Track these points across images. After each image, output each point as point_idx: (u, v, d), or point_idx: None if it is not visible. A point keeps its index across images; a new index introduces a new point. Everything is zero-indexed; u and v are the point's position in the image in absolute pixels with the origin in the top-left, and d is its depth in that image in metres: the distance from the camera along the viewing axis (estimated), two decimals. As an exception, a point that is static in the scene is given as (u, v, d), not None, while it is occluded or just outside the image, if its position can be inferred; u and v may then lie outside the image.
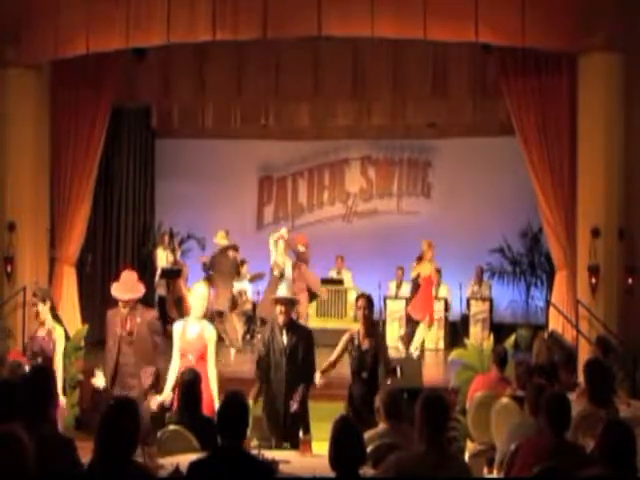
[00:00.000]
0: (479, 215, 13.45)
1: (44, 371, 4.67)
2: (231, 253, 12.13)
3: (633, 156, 9.37)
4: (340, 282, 12.83)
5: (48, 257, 10.70)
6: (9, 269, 10.18)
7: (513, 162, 11.58)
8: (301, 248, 11.66)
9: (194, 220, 13.96)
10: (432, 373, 10.23)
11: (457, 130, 13.42)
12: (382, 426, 5.12)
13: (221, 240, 12.06)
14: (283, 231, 11.74)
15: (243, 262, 13.09)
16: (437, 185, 14.15)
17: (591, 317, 9.12)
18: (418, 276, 11.87)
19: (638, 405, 6.47)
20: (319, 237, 14.15)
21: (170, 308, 13.11)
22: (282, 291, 7.01)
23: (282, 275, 11.22)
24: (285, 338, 6.71)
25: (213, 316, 12.25)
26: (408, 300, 12.11)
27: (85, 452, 4.13)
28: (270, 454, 4.95)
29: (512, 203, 12.99)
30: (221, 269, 11.95)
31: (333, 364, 7.03)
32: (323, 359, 11.60)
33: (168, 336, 12.88)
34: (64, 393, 7.49)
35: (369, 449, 4.39)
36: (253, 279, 13.14)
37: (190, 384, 5.52)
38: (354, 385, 6.87)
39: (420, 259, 12.00)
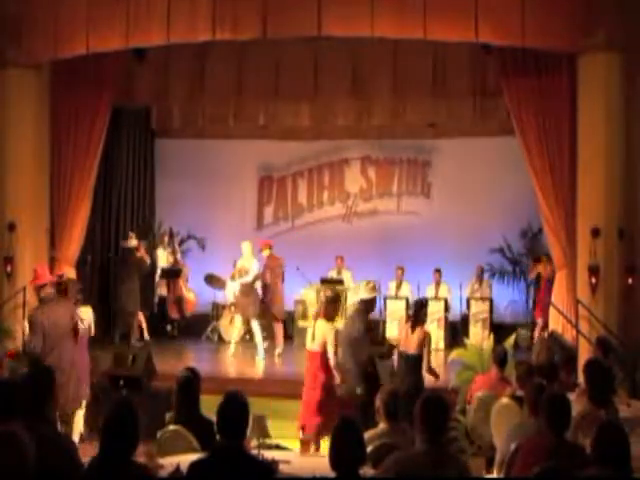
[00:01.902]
0: (479, 215, 13.43)
1: (44, 371, 4.67)
2: (137, 253, 12.25)
3: (633, 156, 9.38)
4: (340, 282, 12.82)
5: (48, 257, 10.69)
6: (9, 269, 10.18)
7: (513, 162, 11.57)
8: (266, 253, 11.78)
9: (194, 220, 13.95)
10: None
11: (457, 130, 13.40)
12: (382, 426, 5.12)
13: (129, 242, 12.24)
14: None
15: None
16: (437, 185, 14.14)
17: (591, 317, 9.12)
18: (539, 276, 11.89)
19: (638, 405, 6.47)
20: (319, 237, 14.16)
21: (170, 308, 13.12)
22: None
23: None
24: None
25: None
26: (534, 303, 12.19)
27: (85, 452, 4.14)
28: (270, 454, 4.95)
29: (512, 203, 12.98)
30: (126, 270, 12.15)
31: None
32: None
33: (169, 337, 13.00)
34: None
35: (369, 449, 4.38)
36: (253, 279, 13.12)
37: (186, 383, 5.49)
38: None
39: (538, 260, 11.97)
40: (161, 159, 14.38)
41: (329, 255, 13.27)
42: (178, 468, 4.29)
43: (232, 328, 12.06)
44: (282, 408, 8.40)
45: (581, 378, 6.36)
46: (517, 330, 11.22)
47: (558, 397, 4.55)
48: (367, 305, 7.54)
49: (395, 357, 7.81)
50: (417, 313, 7.81)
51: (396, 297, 12.94)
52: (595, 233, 9.13)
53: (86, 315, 8.01)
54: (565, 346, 9.13)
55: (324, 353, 7.05)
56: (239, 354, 11.93)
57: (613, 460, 3.62)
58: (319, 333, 7.12)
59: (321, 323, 7.17)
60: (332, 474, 3.74)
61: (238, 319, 11.78)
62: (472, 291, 12.95)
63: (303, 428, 6.95)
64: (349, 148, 14.37)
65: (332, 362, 7.02)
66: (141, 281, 12.27)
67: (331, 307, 7.35)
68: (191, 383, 5.51)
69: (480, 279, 12.97)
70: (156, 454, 4.85)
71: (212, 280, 13.18)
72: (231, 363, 11.51)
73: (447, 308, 12.74)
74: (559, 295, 9.80)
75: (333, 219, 14.44)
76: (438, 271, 13.08)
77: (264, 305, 11.60)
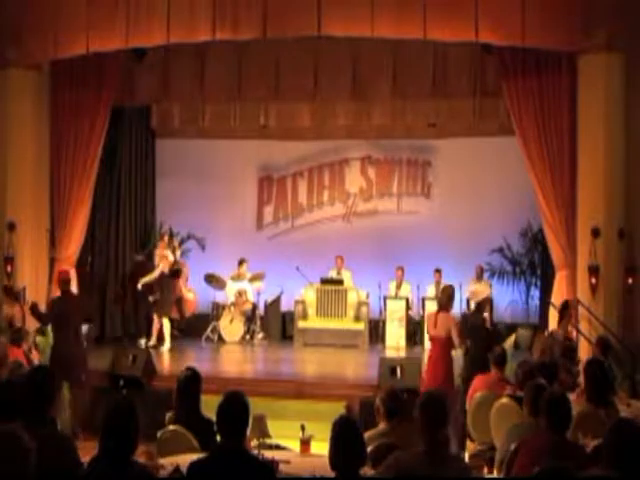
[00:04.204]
0: (479, 215, 13.43)
1: (44, 371, 4.66)
2: None
3: (633, 156, 9.38)
4: (340, 282, 12.82)
5: (48, 257, 10.70)
6: (9, 269, 10.19)
7: (513, 162, 11.58)
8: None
9: (194, 220, 13.95)
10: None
11: (457, 130, 13.40)
12: (382, 426, 5.12)
13: None
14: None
15: (242, 262, 13.09)
16: (437, 185, 14.14)
17: (591, 317, 9.12)
18: None
19: (638, 405, 6.47)
20: (319, 237, 14.15)
21: (170, 308, 13.10)
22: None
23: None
24: None
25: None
26: None
27: (85, 452, 4.13)
28: (270, 454, 4.94)
29: (512, 203, 12.98)
30: None
31: None
32: (325, 358, 11.65)
33: (170, 337, 12.97)
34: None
35: (369, 449, 4.38)
36: (253, 279, 13.13)
37: (186, 383, 5.48)
38: None
39: None
40: (161, 159, 14.38)
41: (329, 255, 13.27)
42: (178, 468, 4.29)
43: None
44: (282, 408, 8.41)
45: (581, 378, 6.36)
46: (517, 330, 11.21)
47: (558, 397, 4.54)
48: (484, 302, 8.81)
49: None
50: (561, 312, 8.73)
51: (396, 297, 12.94)
52: (595, 233, 9.14)
53: None
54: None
55: (448, 338, 7.88)
56: (238, 354, 11.96)
57: (626, 458, 3.59)
58: (443, 322, 7.94)
59: (444, 315, 8.00)
60: (332, 474, 3.74)
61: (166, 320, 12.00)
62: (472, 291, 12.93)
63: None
64: (349, 148, 14.36)
65: (457, 341, 7.94)
66: None
67: (451, 302, 8.19)
68: (191, 383, 5.50)
69: (480, 279, 12.96)
70: (156, 454, 4.84)
71: (212, 280, 13.19)
72: (231, 363, 11.52)
73: (447, 308, 12.70)
74: (559, 295, 9.80)
75: (333, 219, 14.44)
76: (438, 271, 13.08)
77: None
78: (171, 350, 11.85)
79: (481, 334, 8.30)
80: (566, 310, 8.61)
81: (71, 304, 8.53)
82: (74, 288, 10.90)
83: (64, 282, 8.63)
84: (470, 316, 8.80)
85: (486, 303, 9.04)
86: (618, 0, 9.20)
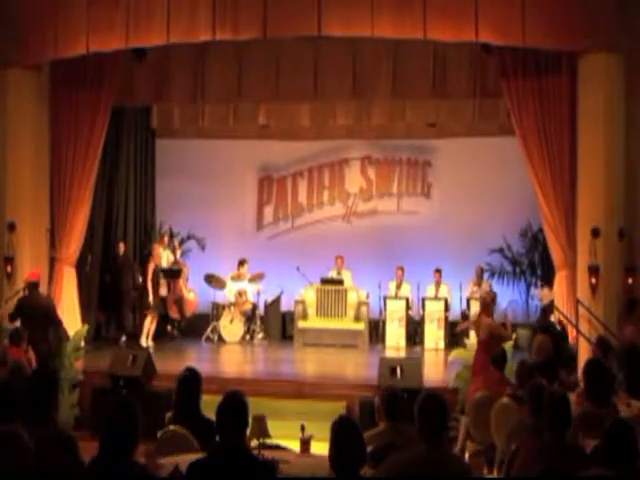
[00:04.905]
0: (479, 215, 13.44)
1: (46, 372, 4.67)
2: None
3: (633, 156, 9.38)
4: (340, 282, 12.82)
5: (48, 257, 10.70)
6: (9, 269, 10.19)
7: (513, 162, 11.58)
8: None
9: (194, 220, 13.96)
10: (432, 373, 10.24)
11: (457, 130, 13.41)
12: (382, 426, 5.12)
13: None
14: None
15: (243, 262, 13.10)
16: (437, 185, 14.14)
17: (591, 317, 9.12)
18: None
19: (638, 405, 6.47)
20: (319, 237, 14.15)
21: (170, 308, 13.11)
22: None
23: None
24: None
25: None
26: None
27: (85, 452, 4.13)
28: (270, 454, 4.94)
29: (512, 203, 12.99)
30: None
31: None
32: (325, 358, 11.66)
33: (170, 337, 13.01)
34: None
35: (369, 449, 4.38)
36: (253, 279, 13.14)
37: (186, 383, 5.48)
38: None
39: None
40: (161, 159, 14.39)
41: (329, 255, 13.27)
42: (177, 468, 4.28)
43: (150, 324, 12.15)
44: (282, 408, 8.41)
45: (581, 378, 6.36)
46: (517, 330, 11.18)
47: (558, 397, 4.55)
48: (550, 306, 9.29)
49: None
50: (629, 308, 9.09)
51: (396, 297, 12.94)
52: (595, 233, 9.13)
53: None
54: (565, 346, 9.13)
55: (485, 340, 8.24)
56: (238, 354, 11.96)
57: (624, 458, 3.59)
58: (480, 325, 8.43)
59: (483, 318, 8.47)
60: (332, 474, 3.73)
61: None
62: (472, 291, 12.94)
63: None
64: (349, 148, 14.37)
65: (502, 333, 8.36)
66: None
67: (491, 306, 8.68)
68: (191, 383, 5.49)
69: (480, 279, 12.97)
70: (156, 454, 4.84)
71: (212, 280, 13.19)
72: (231, 363, 11.52)
73: (447, 308, 12.74)
74: (559, 295, 9.80)
75: (333, 219, 14.44)
76: (438, 271, 13.09)
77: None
78: (171, 350, 11.86)
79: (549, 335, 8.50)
80: (635, 308, 8.77)
81: (37, 304, 8.76)
82: (74, 288, 10.98)
83: (31, 284, 8.79)
84: (538, 319, 8.99)
85: (552, 306, 9.29)
86: (618, 0, 9.20)
